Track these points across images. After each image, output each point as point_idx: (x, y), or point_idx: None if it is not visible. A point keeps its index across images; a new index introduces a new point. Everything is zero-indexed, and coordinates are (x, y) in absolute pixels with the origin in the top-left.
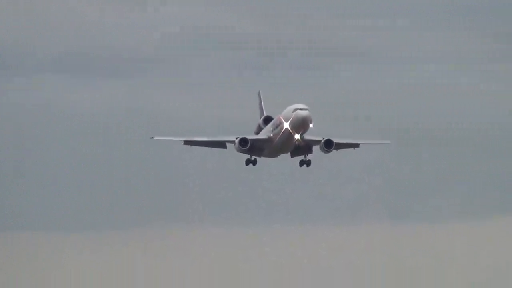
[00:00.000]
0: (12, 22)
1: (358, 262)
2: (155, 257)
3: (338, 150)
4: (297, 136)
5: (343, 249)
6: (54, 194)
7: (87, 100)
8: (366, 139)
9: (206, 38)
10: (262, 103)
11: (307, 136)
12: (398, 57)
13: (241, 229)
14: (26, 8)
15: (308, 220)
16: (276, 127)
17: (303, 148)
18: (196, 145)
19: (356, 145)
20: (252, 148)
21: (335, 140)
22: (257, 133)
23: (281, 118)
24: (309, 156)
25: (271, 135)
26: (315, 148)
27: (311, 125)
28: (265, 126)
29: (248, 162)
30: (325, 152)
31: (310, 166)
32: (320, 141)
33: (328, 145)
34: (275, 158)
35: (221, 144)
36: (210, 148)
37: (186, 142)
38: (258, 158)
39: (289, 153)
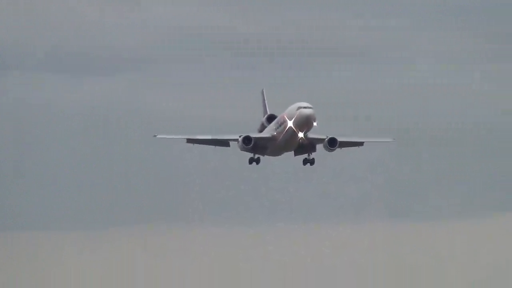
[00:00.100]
0: (12, 22)
1: (362, 260)
2: (158, 256)
3: (342, 148)
4: (300, 135)
5: (346, 248)
6: (54, 193)
7: (87, 99)
8: (370, 137)
9: (208, 37)
10: (266, 101)
11: (310, 135)
12: (398, 57)
13: (244, 228)
14: (26, 8)
15: (311, 218)
16: (280, 125)
17: (307, 146)
18: (199, 143)
19: (360, 144)
20: (256, 147)
21: (339, 139)
22: (261, 131)
23: (285, 116)
24: (313, 155)
25: (275, 133)
26: (319, 147)
27: (315, 124)
28: (268, 125)
29: (251, 160)
30: (329, 151)
31: (313, 165)
32: (324, 139)
33: (332, 143)
34: (279, 156)
35: (224, 143)
36: (213, 146)
37: (189, 141)
38: (261, 157)
39: (292, 152)
